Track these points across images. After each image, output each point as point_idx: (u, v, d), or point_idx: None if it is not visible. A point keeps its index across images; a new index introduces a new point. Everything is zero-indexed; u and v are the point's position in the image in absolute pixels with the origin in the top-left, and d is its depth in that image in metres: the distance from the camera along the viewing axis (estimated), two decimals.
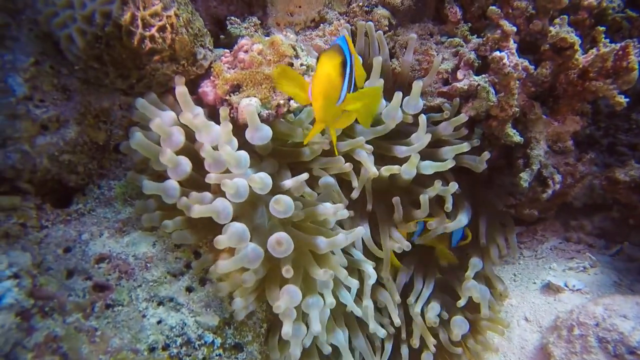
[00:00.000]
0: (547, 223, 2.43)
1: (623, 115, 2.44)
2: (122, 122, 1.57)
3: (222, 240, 1.32)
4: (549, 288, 1.96)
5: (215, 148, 1.43)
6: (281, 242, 1.35)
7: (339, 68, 1.11)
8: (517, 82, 1.71)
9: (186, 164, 1.42)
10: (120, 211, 1.52)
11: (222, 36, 1.93)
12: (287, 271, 1.35)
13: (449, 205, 1.81)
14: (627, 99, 1.68)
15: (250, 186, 1.41)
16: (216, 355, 1.40)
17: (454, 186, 1.78)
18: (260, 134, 1.45)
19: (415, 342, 1.85)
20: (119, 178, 1.57)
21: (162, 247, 1.47)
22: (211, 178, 1.42)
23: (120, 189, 1.54)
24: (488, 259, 2.07)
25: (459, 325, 1.81)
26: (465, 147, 1.82)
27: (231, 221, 1.40)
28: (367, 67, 1.89)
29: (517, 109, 1.76)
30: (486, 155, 1.86)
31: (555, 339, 1.63)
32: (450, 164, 1.80)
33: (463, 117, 1.83)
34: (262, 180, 1.39)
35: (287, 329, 1.38)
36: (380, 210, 1.92)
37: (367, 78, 1.80)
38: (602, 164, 2.34)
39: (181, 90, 1.47)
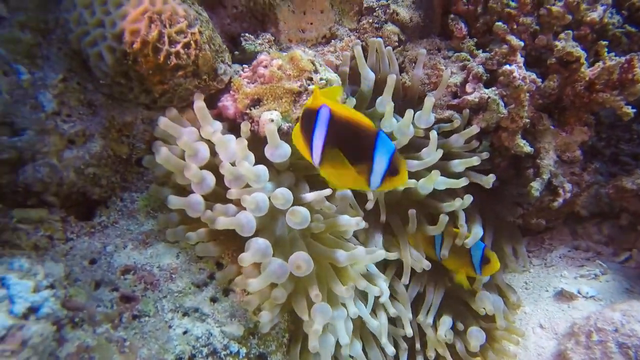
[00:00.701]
0: (554, 232, 2.46)
1: (624, 126, 2.51)
2: (144, 136, 1.61)
3: (246, 258, 1.36)
4: (562, 295, 1.98)
5: (233, 164, 1.46)
6: (301, 266, 1.38)
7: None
8: (527, 94, 1.77)
9: (210, 179, 1.45)
10: (143, 223, 1.54)
11: (236, 52, 1.98)
12: (317, 297, 1.38)
13: (462, 223, 1.84)
14: (634, 110, 1.74)
15: (270, 199, 1.44)
16: None
17: (469, 199, 1.81)
18: (280, 152, 1.48)
19: (430, 354, 1.86)
20: (141, 191, 1.60)
21: (185, 259, 1.49)
22: (232, 194, 1.45)
23: (143, 201, 1.56)
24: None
25: (476, 337, 1.82)
26: (475, 160, 1.84)
27: (254, 234, 1.43)
28: (379, 83, 1.95)
29: (527, 120, 1.82)
30: (492, 177, 1.88)
31: (574, 345, 1.65)
32: (464, 182, 1.81)
33: (475, 129, 1.87)
34: (283, 196, 1.42)
35: (314, 343, 1.39)
36: (395, 222, 1.94)
37: (380, 94, 1.86)
38: (606, 173, 2.39)
39: (199, 105, 1.51)
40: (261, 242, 1.39)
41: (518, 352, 1.88)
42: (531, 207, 2.25)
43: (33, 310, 1.01)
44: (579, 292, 1.95)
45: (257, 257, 1.38)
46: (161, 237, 1.52)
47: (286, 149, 1.50)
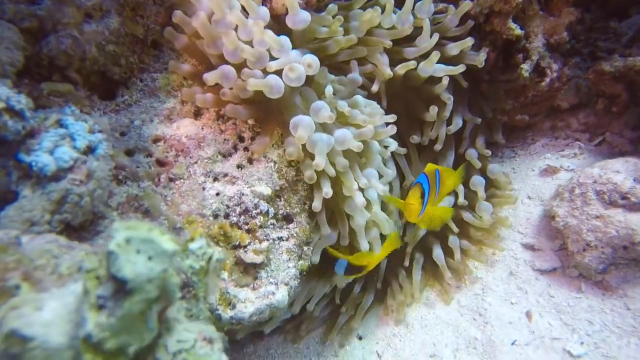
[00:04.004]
0: (536, 128, 2.66)
1: (601, 28, 2.67)
2: (157, 18, 1.62)
3: (301, 135, 1.45)
4: (547, 171, 2.19)
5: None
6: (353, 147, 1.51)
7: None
8: None
9: (244, 46, 1.50)
10: (165, 101, 1.60)
11: None
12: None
13: (446, 114, 2.05)
14: None
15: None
16: (270, 225, 1.53)
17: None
18: (300, 18, 1.55)
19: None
20: (159, 71, 1.63)
21: (210, 131, 1.57)
22: (272, 66, 1.50)
23: (164, 80, 1.61)
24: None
25: (486, 209, 2.02)
26: (469, 41, 1.96)
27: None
28: None
29: (520, 1, 1.92)
30: (484, 55, 2.01)
31: (559, 202, 1.86)
32: (461, 69, 1.94)
33: (467, 4, 1.96)
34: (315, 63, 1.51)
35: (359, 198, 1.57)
36: (399, 106, 2.09)
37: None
38: (584, 68, 2.57)
39: None
40: (307, 119, 1.49)
41: (509, 219, 2.10)
42: (516, 102, 2.41)
43: (91, 149, 1.08)
44: (561, 167, 2.17)
45: (308, 131, 1.49)
46: (183, 113, 1.59)
47: (306, 15, 1.57)
